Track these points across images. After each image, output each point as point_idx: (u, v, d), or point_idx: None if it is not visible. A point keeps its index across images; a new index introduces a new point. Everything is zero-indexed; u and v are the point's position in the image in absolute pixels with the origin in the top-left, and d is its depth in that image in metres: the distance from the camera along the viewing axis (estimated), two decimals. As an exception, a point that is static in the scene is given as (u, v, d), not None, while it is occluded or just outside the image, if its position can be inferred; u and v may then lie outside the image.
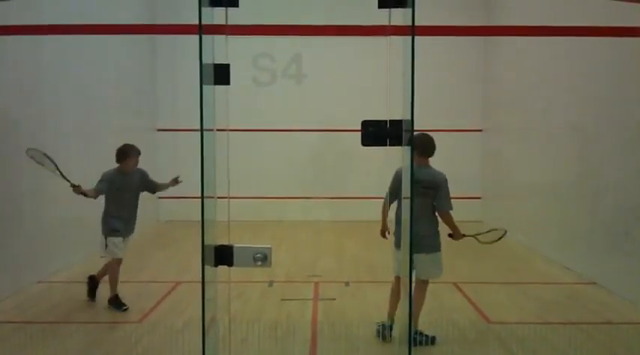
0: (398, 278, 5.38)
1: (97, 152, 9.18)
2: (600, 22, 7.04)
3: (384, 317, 5.47)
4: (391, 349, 5.17)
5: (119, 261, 6.39)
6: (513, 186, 10.71)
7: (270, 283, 7.15)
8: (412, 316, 5.07)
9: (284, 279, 7.45)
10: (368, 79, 9.97)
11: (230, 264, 2.43)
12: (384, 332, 5.37)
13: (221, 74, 2.49)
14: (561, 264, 8.31)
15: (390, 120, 2.45)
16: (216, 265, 2.44)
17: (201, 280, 2.39)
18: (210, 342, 2.50)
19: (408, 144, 2.40)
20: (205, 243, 2.39)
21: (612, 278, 7.03)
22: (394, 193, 5.36)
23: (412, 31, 2.26)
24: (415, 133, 5.30)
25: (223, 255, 2.43)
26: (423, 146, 5.34)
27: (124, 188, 6.36)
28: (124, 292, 6.99)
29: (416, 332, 5.18)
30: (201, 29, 2.28)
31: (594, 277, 7.42)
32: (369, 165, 9.33)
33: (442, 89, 12.00)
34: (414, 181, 5.15)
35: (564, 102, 8.58)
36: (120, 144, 6.57)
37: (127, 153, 6.37)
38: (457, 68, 12.37)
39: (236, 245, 2.43)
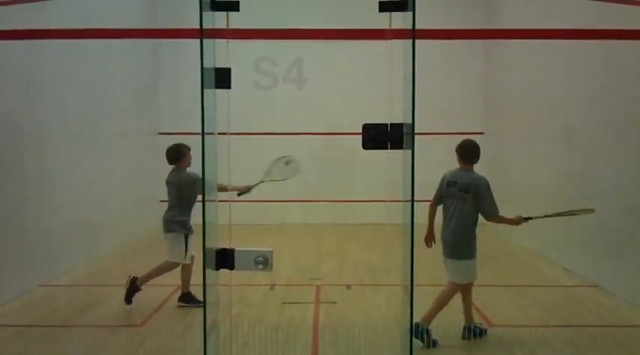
0: (455, 285, 5.36)
1: (100, 155, 9.21)
2: (602, 24, 7.05)
3: (388, 320, 5.48)
4: (392, 353, 5.16)
5: (177, 265, 6.47)
6: (514, 188, 10.67)
7: (272, 286, 7.15)
8: (429, 312, 5.13)
9: (285, 283, 7.45)
10: (369, 82, 9.98)
11: (231, 267, 2.43)
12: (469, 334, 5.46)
13: (222, 78, 2.50)
14: (563, 267, 8.29)
15: (391, 124, 2.46)
16: (217, 269, 2.45)
17: (202, 284, 2.40)
18: (212, 346, 2.50)
19: (409, 148, 2.40)
20: (206, 246, 2.39)
21: (614, 280, 7.01)
22: (440, 198, 5.43)
23: (413, 34, 2.27)
24: (462, 139, 5.44)
25: (224, 259, 2.43)
26: (462, 151, 5.39)
27: (189, 186, 6.41)
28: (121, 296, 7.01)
29: (425, 329, 5.16)
30: (202, 33, 2.29)
31: (596, 280, 7.40)
32: (371, 168, 9.33)
33: (443, 92, 11.98)
34: (453, 184, 5.25)
35: (565, 105, 8.57)
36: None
37: (181, 152, 6.45)
38: (458, 71, 12.35)
39: (237, 248, 2.43)
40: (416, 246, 2.48)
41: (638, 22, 5.84)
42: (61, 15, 7.36)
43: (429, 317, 5.21)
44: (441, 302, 5.26)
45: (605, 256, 7.26)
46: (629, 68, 6.87)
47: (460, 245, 5.28)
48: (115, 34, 7.29)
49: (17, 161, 7.00)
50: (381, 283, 6.74)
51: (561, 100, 8.71)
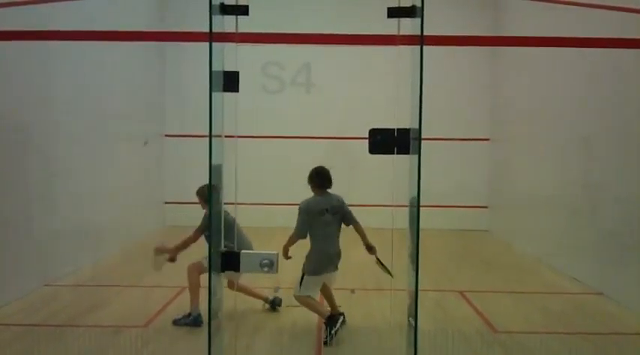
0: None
1: (106, 157, 9.25)
2: (610, 33, 7.03)
3: (392, 325, 5.48)
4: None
5: None
6: (520, 195, 10.67)
7: (277, 289, 7.14)
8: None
9: (290, 286, 7.44)
10: (377, 87, 9.99)
11: (236, 269, 2.44)
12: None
13: (230, 81, 2.51)
14: (568, 275, 8.27)
15: (398, 129, 2.46)
16: (222, 271, 2.45)
17: (207, 285, 2.40)
18: (216, 348, 2.51)
19: (415, 153, 2.41)
20: (212, 248, 2.40)
21: (619, 288, 6.99)
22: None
23: (421, 40, 2.28)
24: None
25: (230, 261, 2.44)
26: (311, 178, 6.11)
27: None
28: (129, 296, 7.02)
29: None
30: (211, 37, 2.30)
31: (601, 288, 7.38)
32: (377, 172, 9.33)
33: (450, 98, 11.98)
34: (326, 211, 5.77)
35: (572, 113, 8.55)
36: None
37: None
38: (465, 77, 12.35)
39: (243, 251, 2.44)
40: (421, 251, 2.48)
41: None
42: (68, 17, 7.41)
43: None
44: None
45: (611, 264, 7.23)
46: (638, 76, 6.85)
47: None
48: (123, 36, 7.31)
49: (23, 162, 7.03)
50: (385, 288, 6.73)
51: (568, 108, 8.69)
